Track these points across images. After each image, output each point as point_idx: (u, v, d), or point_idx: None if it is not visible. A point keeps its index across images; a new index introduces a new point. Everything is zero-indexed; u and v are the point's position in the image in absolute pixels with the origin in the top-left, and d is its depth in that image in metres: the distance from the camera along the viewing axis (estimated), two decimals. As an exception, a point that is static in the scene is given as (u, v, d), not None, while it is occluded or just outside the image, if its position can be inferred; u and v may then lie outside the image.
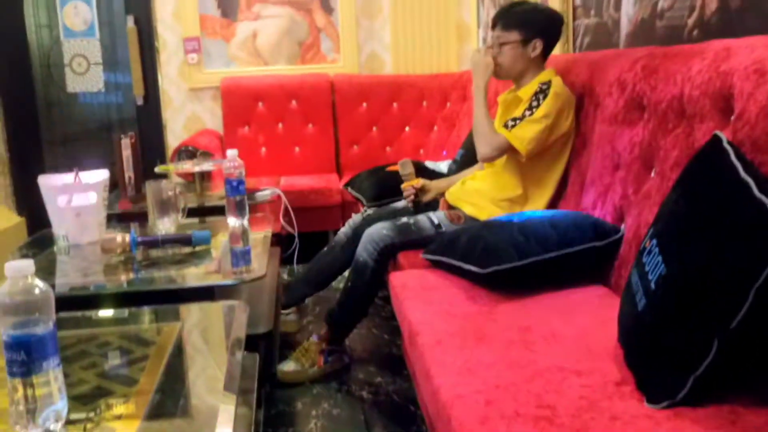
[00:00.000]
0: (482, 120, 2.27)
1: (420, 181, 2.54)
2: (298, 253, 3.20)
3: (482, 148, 2.26)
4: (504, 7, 2.42)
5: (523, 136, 2.18)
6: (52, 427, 1.02)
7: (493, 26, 2.34)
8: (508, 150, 2.23)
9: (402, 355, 2.29)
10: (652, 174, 1.75)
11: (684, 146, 1.60)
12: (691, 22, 1.98)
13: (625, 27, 2.39)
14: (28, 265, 0.99)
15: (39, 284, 0.99)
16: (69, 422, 1.06)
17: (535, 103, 2.20)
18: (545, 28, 2.31)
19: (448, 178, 2.69)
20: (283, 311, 2.65)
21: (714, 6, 1.87)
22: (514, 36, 2.28)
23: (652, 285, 1.24)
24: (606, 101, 2.04)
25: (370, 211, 2.64)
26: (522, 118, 2.21)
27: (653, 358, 1.22)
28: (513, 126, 2.20)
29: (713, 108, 1.51)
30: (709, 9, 1.89)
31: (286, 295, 2.66)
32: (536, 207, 2.28)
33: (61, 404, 1.02)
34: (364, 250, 2.25)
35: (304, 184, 3.71)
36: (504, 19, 2.31)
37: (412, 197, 2.51)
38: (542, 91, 2.22)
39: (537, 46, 2.28)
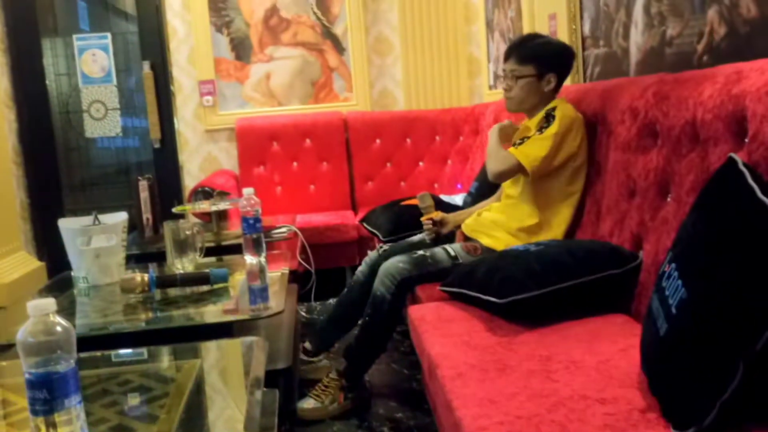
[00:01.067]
0: (494, 145, 2.33)
1: (439, 214, 2.54)
2: (316, 289, 3.20)
3: (491, 165, 2.29)
4: (518, 40, 2.44)
5: (529, 153, 2.19)
6: (74, 465, 1.01)
7: (506, 59, 2.37)
8: (516, 167, 2.23)
9: (422, 390, 2.27)
10: (668, 199, 1.74)
11: (699, 170, 1.60)
12: (700, 48, 1.99)
13: (634, 55, 2.41)
14: (50, 303, 1.00)
15: (61, 322, 1.00)
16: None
17: (544, 125, 2.23)
18: (559, 63, 2.34)
19: (466, 210, 2.70)
20: (314, 359, 2.62)
21: (723, 31, 1.88)
22: (529, 70, 2.30)
23: (673, 309, 1.23)
24: (618, 129, 2.04)
25: (386, 246, 2.64)
26: (530, 138, 2.24)
27: (678, 383, 1.20)
28: (520, 144, 2.23)
29: (727, 131, 1.51)
30: (718, 34, 1.91)
31: (314, 341, 2.63)
32: (553, 236, 2.27)
33: (83, 442, 1.02)
34: (381, 284, 2.25)
35: (320, 221, 3.73)
36: (519, 52, 2.33)
37: (433, 229, 2.51)
38: (549, 115, 2.24)
39: (551, 80, 2.30)
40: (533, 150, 2.19)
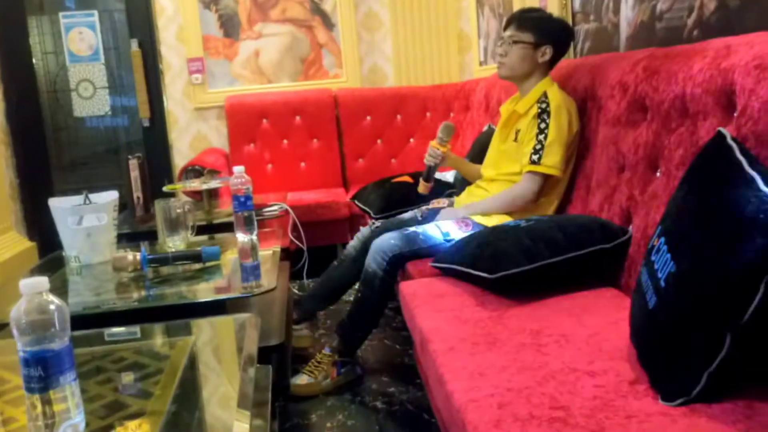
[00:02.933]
0: (499, 204, 2.32)
1: (447, 150, 2.54)
2: (308, 267, 3.21)
3: (527, 199, 2.27)
4: (521, 10, 2.48)
5: (554, 163, 2.21)
6: (70, 441, 1.03)
7: (507, 26, 2.38)
8: (548, 180, 2.26)
9: (414, 365, 2.29)
10: (658, 174, 1.75)
11: (688, 145, 1.60)
12: (690, 22, 1.99)
13: (624, 30, 2.41)
14: (43, 282, 1.00)
15: (54, 300, 1.00)
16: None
17: (543, 126, 2.23)
18: (558, 37, 2.36)
19: (466, 161, 2.73)
20: (295, 326, 2.65)
21: (712, 6, 1.89)
22: (528, 37, 2.31)
23: (662, 282, 1.24)
24: (608, 104, 2.05)
25: (378, 224, 2.65)
26: (540, 144, 2.22)
27: (666, 355, 1.21)
28: (539, 158, 2.22)
29: (716, 105, 1.51)
30: (708, 9, 1.91)
31: (297, 310, 2.67)
32: (544, 212, 2.28)
33: (79, 418, 1.03)
34: (372, 261, 2.26)
35: (311, 199, 3.73)
36: (520, 20, 2.35)
37: (433, 161, 2.51)
38: (544, 111, 2.24)
39: (547, 52, 2.31)
40: (554, 157, 2.21)
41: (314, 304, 2.69)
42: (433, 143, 2.53)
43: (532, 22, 2.34)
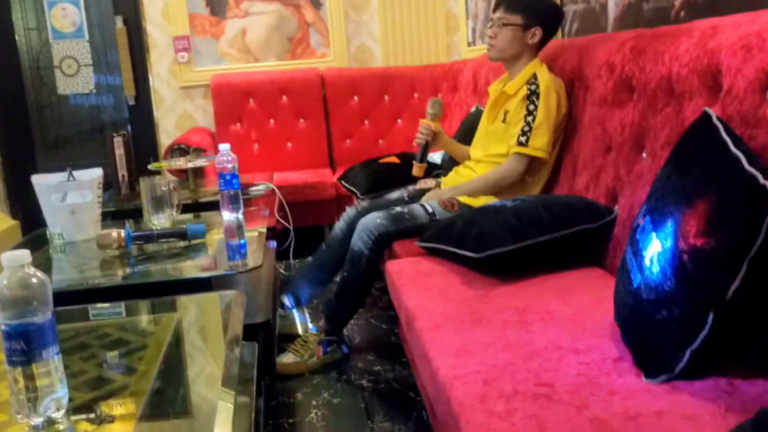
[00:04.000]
0: (484, 185, 2.33)
1: (438, 125, 2.53)
2: (294, 247, 3.21)
3: (513, 180, 2.28)
4: None
5: (541, 144, 2.21)
6: (53, 415, 1.02)
7: (496, 8, 2.37)
8: (534, 162, 2.26)
9: (400, 344, 2.30)
10: (644, 154, 1.76)
11: (674, 125, 1.61)
12: (677, 3, 1.99)
13: (612, 11, 2.40)
14: (24, 254, 0.99)
15: (36, 273, 0.99)
16: (70, 411, 1.06)
17: (531, 107, 2.22)
18: (547, 18, 2.35)
19: (455, 142, 2.71)
20: (286, 312, 2.62)
21: (700, -14, 1.88)
22: (517, 19, 2.30)
23: (647, 261, 1.25)
24: (595, 84, 2.04)
25: (364, 203, 2.64)
26: (528, 126, 2.22)
27: (650, 333, 1.22)
28: (527, 140, 2.22)
29: (702, 85, 1.52)
30: (696, -11, 1.90)
31: (288, 296, 2.64)
32: (532, 192, 2.29)
33: (62, 393, 1.03)
34: (359, 240, 2.25)
35: (298, 179, 3.72)
36: (509, 2, 2.34)
37: (425, 135, 2.51)
38: (533, 93, 2.23)
39: (536, 33, 2.30)
40: (541, 139, 2.21)
41: (308, 290, 2.63)
42: (424, 120, 2.52)
43: (521, 4, 2.32)
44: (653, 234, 1.25)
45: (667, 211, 1.26)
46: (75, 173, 2.24)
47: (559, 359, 1.27)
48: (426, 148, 2.54)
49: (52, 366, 1.01)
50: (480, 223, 1.87)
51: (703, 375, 1.15)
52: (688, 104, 1.56)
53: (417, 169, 2.56)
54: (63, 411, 1.03)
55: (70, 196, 2.15)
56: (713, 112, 1.28)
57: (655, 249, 1.23)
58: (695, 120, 1.33)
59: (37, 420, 1.01)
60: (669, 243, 1.20)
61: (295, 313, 2.62)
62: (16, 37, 4.25)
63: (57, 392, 1.02)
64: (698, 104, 1.51)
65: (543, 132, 2.21)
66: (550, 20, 2.36)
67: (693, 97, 1.54)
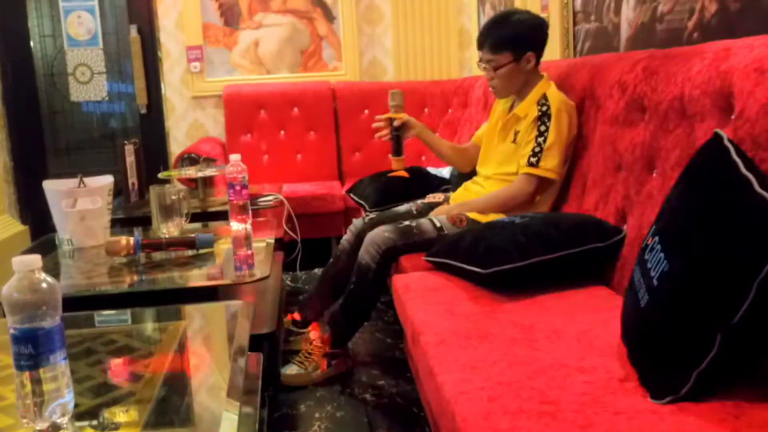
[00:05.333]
0: (495, 203, 2.30)
1: (404, 117, 2.52)
2: (301, 259, 3.21)
3: (522, 200, 2.26)
4: (487, 27, 2.37)
5: (552, 166, 2.21)
6: (58, 420, 1.02)
7: (480, 46, 2.34)
8: (544, 183, 2.25)
9: (404, 359, 2.30)
10: (654, 174, 1.76)
11: (685, 146, 1.61)
12: (691, 24, 2.00)
13: (625, 31, 2.41)
14: (35, 259, 1.00)
15: (46, 278, 1.00)
16: (74, 417, 1.07)
17: (543, 128, 2.21)
18: (534, 40, 2.31)
19: (435, 135, 2.68)
20: (303, 330, 2.61)
21: (714, 8, 1.89)
22: (506, 57, 2.28)
23: (655, 281, 1.25)
24: (607, 103, 2.05)
25: (372, 215, 2.64)
26: (539, 147, 2.21)
27: (656, 353, 1.22)
28: (537, 161, 2.21)
29: (714, 107, 1.52)
30: (709, 11, 1.91)
31: (302, 313, 2.63)
32: (541, 210, 2.28)
33: (68, 398, 1.03)
34: (366, 253, 2.25)
35: (307, 191, 3.73)
36: (491, 41, 2.30)
37: (388, 132, 2.49)
38: (544, 114, 2.23)
39: (530, 59, 2.29)
40: (552, 161, 2.20)
41: (319, 305, 2.60)
42: (381, 116, 2.51)
43: (503, 39, 2.28)
44: (662, 254, 1.25)
45: (677, 232, 1.26)
46: (86, 180, 2.26)
47: (565, 378, 1.26)
48: (398, 139, 2.51)
49: (59, 371, 1.01)
50: (488, 238, 1.87)
51: (710, 397, 1.14)
52: (700, 125, 1.56)
53: (395, 163, 2.53)
54: (68, 416, 1.04)
55: (80, 202, 2.16)
56: (724, 134, 1.28)
57: (663, 269, 1.23)
58: (706, 141, 1.33)
59: (42, 425, 1.01)
60: (678, 264, 1.20)
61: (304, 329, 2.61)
62: (32, 44, 4.30)
63: (63, 397, 1.02)
64: (710, 126, 1.51)
65: (555, 153, 2.20)
66: (537, 39, 2.32)
67: (704, 118, 1.54)
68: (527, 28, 2.31)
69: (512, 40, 2.27)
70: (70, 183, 2.25)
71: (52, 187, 2.19)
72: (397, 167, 2.54)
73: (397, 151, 2.52)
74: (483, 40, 2.33)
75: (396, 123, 2.52)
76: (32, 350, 0.98)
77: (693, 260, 1.17)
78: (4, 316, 1.03)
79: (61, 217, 2.17)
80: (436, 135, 2.66)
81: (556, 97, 2.24)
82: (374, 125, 2.51)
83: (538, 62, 2.34)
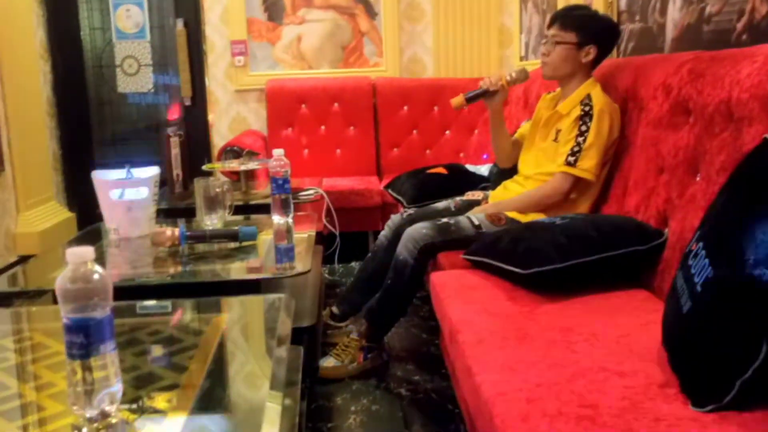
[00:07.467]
0: (528, 201, 2.32)
1: (507, 89, 2.52)
2: (339, 252, 3.24)
3: (557, 199, 2.28)
4: (565, 8, 2.44)
5: (589, 167, 2.20)
6: (107, 408, 1.05)
7: (550, 25, 2.36)
8: (581, 183, 2.25)
9: (440, 355, 2.30)
10: (698, 178, 1.73)
11: (731, 150, 1.58)
12: (740, 26, 1.96)
13: (670, 32, 2.38)
14: (89, 251, 1.03)
15: (98, 270, 1.03)
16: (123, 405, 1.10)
17: (584, 128, 2.21)
18: (602, 37, 2.32)
19: (504, 123, 2.66)
20: (340, 323, 2.64)
21: (764, 10, 1.85)
22: (571, 37, 2.29)
23: (699, 288, 1.23)
24: (650, 105, 2.02)
25: (410, 211, 2.65)
26: (578, 147, 2.21)
27: (699, 361, 1.21)
28: (575, 161, 2.22)
29: (762, 111, 1.49)
30: (759, 13, 1.87)
31: (341, 307, 2.65)
32: (580, 211, 2.27)
33: (117, 387, 1.06)
34: (404, 249, 2.27)
35: (345, 185, 3.75)
36: (563, 19, 2.33)
37: (489, 85, 2.48)
38: (586, 114, 2.22)
39: (591, 52, 2.29)
40: (590, 161, 2.20)
41: (357, 300, 2.61)
42: (504, 74, 2.51)
43: (575, 21, 2.31)
44: (707, 261, 1.24)
45: (723, 238, 1.25)
46: (133, 171, 2.30)
47: (604, 381, 1.26)
48: (483, 94, 2.50)
49: (108, 360, 1.04)
50: (528, 239, 1.87)
51: (754, 407, 1.13)
52: (748, 130, 1.53)
53: (457, 99, 2.52)
54: (116, 405, 1.07)
55: (127, 193, 2.21)
56: (773, 140, 1.26)
57: (707, 275, 1.22)
58: (755, 146, 1.31)
59: (92, 412, 1.04)
60: (723, 271, 1.19)
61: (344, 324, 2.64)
62: (82, 36, 4.40)
63: (112, 386, 1.05)
64: (758, 131, 1.49)
65: (593, 154, 2.19)
66: (605, 38, 2.34)
67: (752, 123, 1.52)
68: (600, 22, 2.36)
69: (582, 24, 2.30)
70: (118, 173, 2.30)
71: (100, 177, 2.24)
72: (455, 102, 2.52)
73: (471, 99, 2.50)
74: (555, 18, 2.36)
75: (497, 86, 2.49)
76: (84, 340, 1.01)
77: (739, 267, 1.16)
78: (55, 303, 1.07)
79: (108, 207, 2.22)
80: (504, 123, 2.65)
81: (600, 99, 2.23)
82: (492, 76, 2.50)
83: (595, 63, 2.34)
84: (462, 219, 2.33)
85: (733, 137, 1.59)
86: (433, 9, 4.28)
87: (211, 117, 4.38)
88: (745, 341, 1.11)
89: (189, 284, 1.84)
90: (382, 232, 2.67)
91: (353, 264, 3.67)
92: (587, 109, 2.22)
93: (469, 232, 2.27)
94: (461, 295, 1.81)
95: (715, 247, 1.24)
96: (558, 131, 2.33)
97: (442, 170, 3.16)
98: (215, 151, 4.15)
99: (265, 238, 2.19)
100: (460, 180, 3.02)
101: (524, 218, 2.27)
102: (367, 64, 4.41)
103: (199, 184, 2.28)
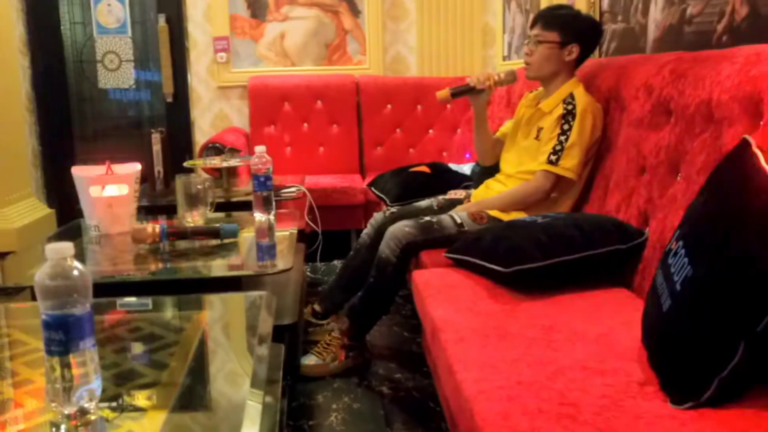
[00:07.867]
0: (510, 200, 2.33)
1: (493, 90, 2.54)
2: (321, 250, 3.23)
3: (538, 197, 2.29)
4: (548, 7, 2.46)
5: (571, 166, 2.22)
6: (86, 405, 1.04)
7: (533, 25, 2.37)
8: (562, 182, 2.27)
9: (422, 353, 2.31)
10: (678, 178, 1.75)
11: (711, 150, 1.60)
12: (720, 27, 1.98)
13: (652, 32, 2.40)
14: (68, 247, 1.02)
15: (78, 266, 1.02)
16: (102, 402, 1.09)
17: (566, 127, 2.23)
18: (585, 35, 2.34)
19: (486, 121, 2.68)
20: (322, 321, 2.63)
21: (744, 12, 1.87)
22: (553, 36, 2.30)
23: (678, 286, 1.25)
24: (632, 105, 2.04)
25: (393, 209, 2.65)
26: (560, 145, 2.23)
27: (677, 358, 1.22)
28: (557, 159, 2.23)
29: (742, 112, 1.51)
30: (740, 15, 1.89)
31: (322, 305, 2.65)
32: (561, 210, 2.28)
33: (96, 384, 1.05)
34: (386, 247, 2.26)
35: (328, 183, 3.75)
36: (546, 19, 2.34)
37: (476, 83, 2.50)
38: (569, 113, 2.24)
39: (573, 50, 2.30)
40: (572, 160, 2.22)
41: (339, 298, 2.61)
42: (492, 72, 2.52)
43: (558, 20, 2.32)
44: (686, 259, 1.25)
45: (702, 237, 1.26)
46: (113, 167, 2.28)
47: (584, 380, 1.27)
48: (470, 91, 2.52)
49: (88, 357, 1.03)
50: (509, 237, 1.88)
51: (731, 404, 1.14)
52: (728, 131, 1.55)
53: (443, 94, 2.55)
54: (95, 402, 1.06)
55: (108, 189, 2.19)
56: (753, 140, 1.27)
57: (687, 274, 1.23)
58: (734, 147, 1.32)
59: (70, 409, 1.03)
60: (702, 269, 1.20)
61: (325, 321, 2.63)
62: (62, 31, 4.35)
63: (91, 383, 1.04)
64: (738, 131, 1.50)
65: (575, 153, 2.20)
66: (587, 37, 2.35)
67: (733, 123, 1.53)
68: (582, 21, 2.37)
69: (565, 23, 2.32)
70: (99, 170, 2.28)
71: (80, 173, 2.22)
72: (441, 96, 2.56)
73: (456, 94, 2.53)
74: (538, 18, 2.37)
75: (484, 85, 2.50)
76: (63, 336, 1.00)
77: (718, 266, 1.17)
78: (34, 299, 1.06)
79: (88, 203, 2.20)
80: (487, 123, 2.66)
81: (583, 98, 2.24)
82: (480, 75, 2.51)
83: (578, 62, 2.35)
84: (444, 217, 2.33)
85: (714, 138, 1.61)
86: (416, 8, 4.28)
87: (193, 113, 4.35)
88: (722, 340, 1.12)
89: (170, 281, 1.83)
90: (365, 231, 2.66)
91: (335, 262, 3.66)
92: (570, 108, 2.23)
93: (451, 230, 2.27)
94: (443, 294, 1.82)
95: (695, 247, 1.25)
96: (540, 129, 2.34)
97: (425, 169, 3.17)
98: (197, 148, 4.13)
99: (247, 236, 2.18)
100: (442, 179, 3.03)
101: (506, 217, 2.28)
102: (350, 62, 4.40)
103: (180, 180, 2.26)
